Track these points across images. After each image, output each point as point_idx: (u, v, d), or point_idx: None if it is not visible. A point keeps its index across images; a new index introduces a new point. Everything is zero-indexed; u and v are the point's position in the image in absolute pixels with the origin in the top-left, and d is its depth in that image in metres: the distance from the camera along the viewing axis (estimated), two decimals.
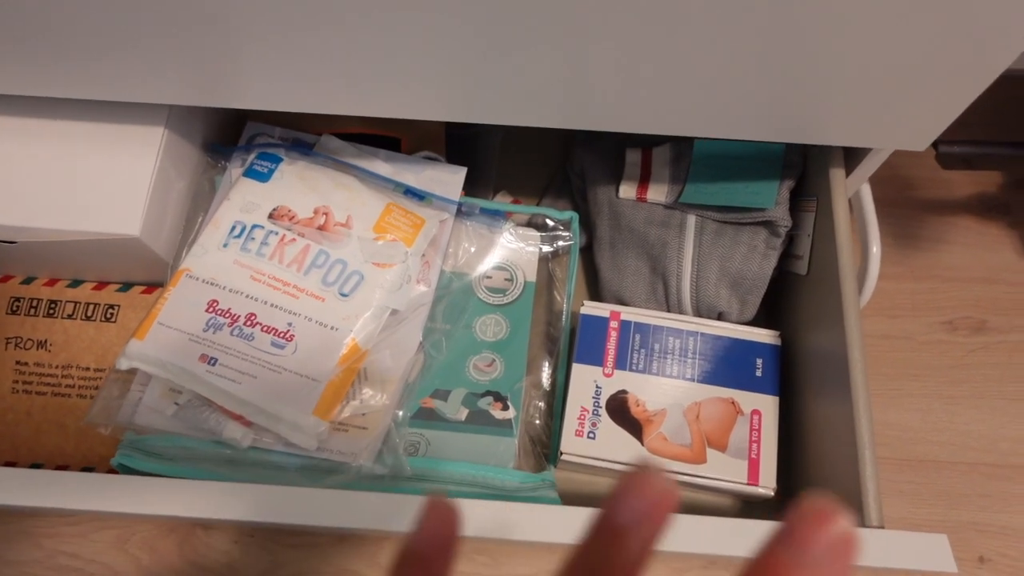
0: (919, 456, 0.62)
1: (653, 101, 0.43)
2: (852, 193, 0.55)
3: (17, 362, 0.53)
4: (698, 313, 0.57)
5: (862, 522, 0.42)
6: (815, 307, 0.52)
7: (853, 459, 0.43)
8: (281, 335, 0.48)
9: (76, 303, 0.55)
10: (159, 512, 0.40)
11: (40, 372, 0.53)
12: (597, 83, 0.42)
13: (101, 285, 0.55)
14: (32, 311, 0.54)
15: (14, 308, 0.55)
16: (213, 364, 0.46)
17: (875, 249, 0.53)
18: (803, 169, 0.55)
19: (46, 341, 0.54)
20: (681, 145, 0.57)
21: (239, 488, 0.40)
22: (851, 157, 0.52)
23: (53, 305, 0.55)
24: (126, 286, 0.55)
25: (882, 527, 0.42)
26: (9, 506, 0.42)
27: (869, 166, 0.51)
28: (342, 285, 0.49)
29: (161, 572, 0.57)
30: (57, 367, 0.54)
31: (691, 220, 0.56)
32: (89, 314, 0.54)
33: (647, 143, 0.59)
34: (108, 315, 0.54)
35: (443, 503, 0.17)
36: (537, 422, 0.54)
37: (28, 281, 0.55)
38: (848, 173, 0.52)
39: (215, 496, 0.40)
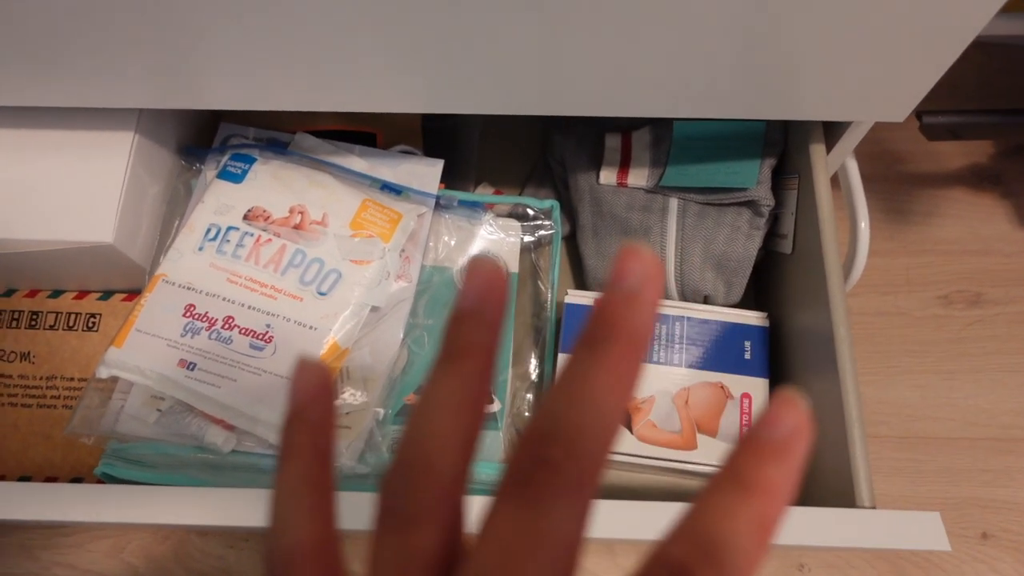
0: (919, 433, 0.61)
1: (630, 84, 0.42)
2: (836, 169, 0.54)
3: (1, 375, 0.53)
4: (684, 297, 0.56)
5: (853, 502, 0.41)
6: (801, 286, 0.51)
7: (843, 439, 0.43)
8: (259, 337, 0.47)
9: (58, 313, 0.54)
10: (152, 521, 0.39)
11: (24, 384, 0.53)
12: (572, 68, 0.41)
13: (82, 294, 0.55)
14: (14, 323, 0.54)
15: None
16: (192, 369, 0.46)
17: (863, 225, 0.52)
18: (784, 147, 0.54)
19: (29, 353, 0.54)
20: (660, 128, 0.56)
21: (231, 494, 0.40)
22: (831, 132, 0.51)
23: (35, 316, 0.54)
24: (107, 294, 0.55)
25: (874, 507, 0.41)
26: (1, 520, 0.42)
27: (850, 140, 0.50)
28: (320, 284, 0.49)
29: None
30: (41, 379, 0.53)
31: (673, 203, 0.55)
32: (71, 324, 0.54)
33: (627, 127, 0.58)
34: (90, 324, 0.54)
35: (312, 363, 0.18)
36: (526, 414, 0.53)
37: (8, 293, 0.55)
38: (829, 149, 0.51)
39: (209, 503, 0.40)
